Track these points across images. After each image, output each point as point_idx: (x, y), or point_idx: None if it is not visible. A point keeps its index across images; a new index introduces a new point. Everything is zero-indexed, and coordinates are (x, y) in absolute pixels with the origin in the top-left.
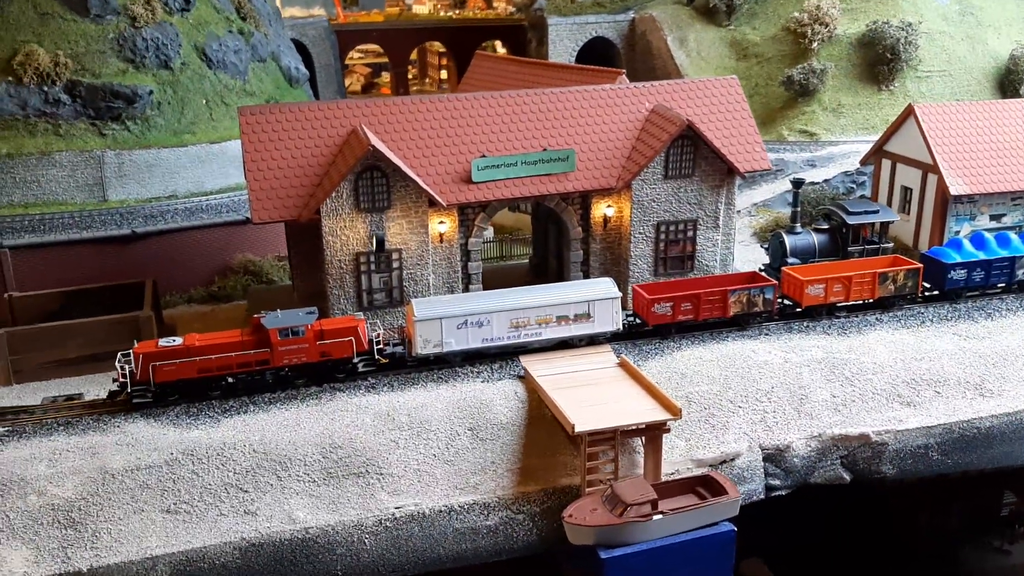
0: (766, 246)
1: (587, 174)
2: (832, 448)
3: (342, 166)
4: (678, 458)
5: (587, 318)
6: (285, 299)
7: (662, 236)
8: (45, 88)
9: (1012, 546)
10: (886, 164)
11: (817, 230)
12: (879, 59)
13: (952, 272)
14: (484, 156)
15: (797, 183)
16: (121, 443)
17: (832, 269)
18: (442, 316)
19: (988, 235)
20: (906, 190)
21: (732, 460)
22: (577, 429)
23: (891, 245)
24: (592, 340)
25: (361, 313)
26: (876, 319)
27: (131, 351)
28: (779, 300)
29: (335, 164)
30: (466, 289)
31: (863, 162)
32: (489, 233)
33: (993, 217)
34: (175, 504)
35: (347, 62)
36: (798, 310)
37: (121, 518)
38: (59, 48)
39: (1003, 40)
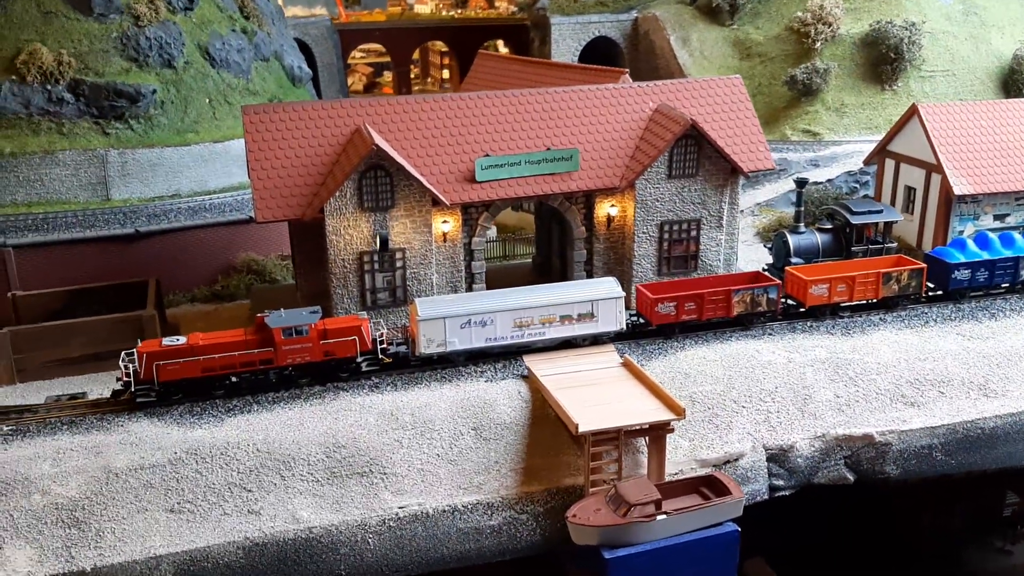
0: (770, 246)
1: (591, 173)
2: (836, 448)
3: (346, 165)
4: (682, 458)
5: (591, 318)
6: (289, 298)
7: (666, 236)
8: (48, 87)
9: (1014, 546)
10: (890, 164)
11: (821, 230)
12: (882, 59)
13: (956, 272)
14: (488, 155)
15: (801, 183)
16: (125, 442)
17: (836, 269)
18: (446, 315)
19: (992, 235)
20: (910, 190)
21: (736, 460)
22: (581, 429)
23: (895, 245)
24: (596, 340)
25: (365, 312)
26: (880, 319)
27: (135, 350)
28: (783, 300)
29: (339, 163)
30: (469, 288)
31: (867, 162)
32: (492, 232)
33: (997, 217)
34: (179, 503)
35: (349, 61)
36: (802, 310)
37: (125, 517)
38: (63, 47)
39: (1007, 40)
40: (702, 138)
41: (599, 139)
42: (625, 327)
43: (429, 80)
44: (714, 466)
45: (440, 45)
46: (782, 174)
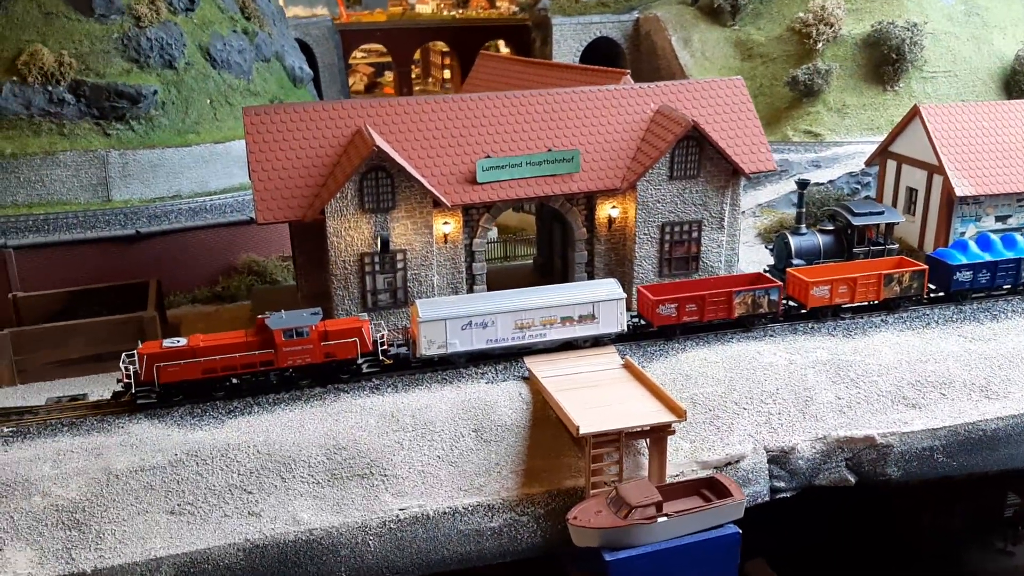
0: (771, 247)
1: (592, 175)
2: (837, 450)
3: (347, 166)
4: (683, 460)
5: (592, 319)
6: (289, 299)
7: (667, 237)
8: (49, 88)
9: (1015, 547)
10: (891, 165)
11: (822, 231)
12: (884, 59)
13: (957, 273)
14: (489, 156)
15: (802, 184)
16: (125, 444)
17: (837, 270)
18: (446, 317)
19: (994, 236)
20: (911, 191)
21: (737, 462)
22: (582, 431)
23: (896, 246)
24: (597, 341)
25: (365, 314)
26: (881, 321)
27: (135, 351)
28: (784, 301)
29: (340, 164)
30: (470, 290)
31: (868, 163)
32: (493, 234)
33: (999, 218)
34: (179, 505)
35: (350, 62)
36: (803, 311)
37: (125, 519)
38: (63, 48)
39: (1009, 40)
40: (703, 139)
41: (600, 140)
42: (626, 329)
43: (430, 80)
44: (715, 468)
45: (441, 45)
46: (783, 175)
